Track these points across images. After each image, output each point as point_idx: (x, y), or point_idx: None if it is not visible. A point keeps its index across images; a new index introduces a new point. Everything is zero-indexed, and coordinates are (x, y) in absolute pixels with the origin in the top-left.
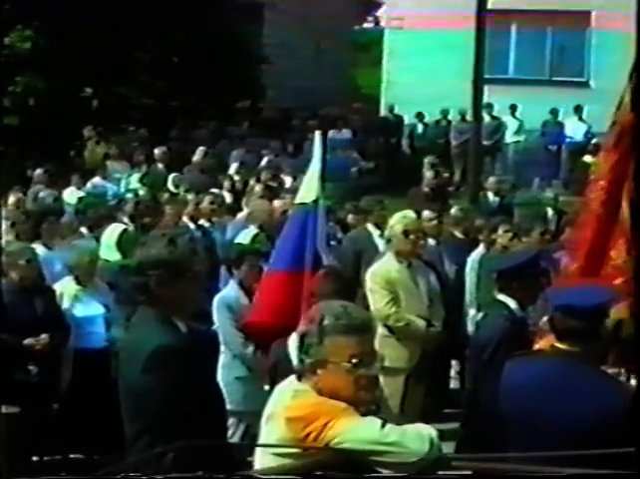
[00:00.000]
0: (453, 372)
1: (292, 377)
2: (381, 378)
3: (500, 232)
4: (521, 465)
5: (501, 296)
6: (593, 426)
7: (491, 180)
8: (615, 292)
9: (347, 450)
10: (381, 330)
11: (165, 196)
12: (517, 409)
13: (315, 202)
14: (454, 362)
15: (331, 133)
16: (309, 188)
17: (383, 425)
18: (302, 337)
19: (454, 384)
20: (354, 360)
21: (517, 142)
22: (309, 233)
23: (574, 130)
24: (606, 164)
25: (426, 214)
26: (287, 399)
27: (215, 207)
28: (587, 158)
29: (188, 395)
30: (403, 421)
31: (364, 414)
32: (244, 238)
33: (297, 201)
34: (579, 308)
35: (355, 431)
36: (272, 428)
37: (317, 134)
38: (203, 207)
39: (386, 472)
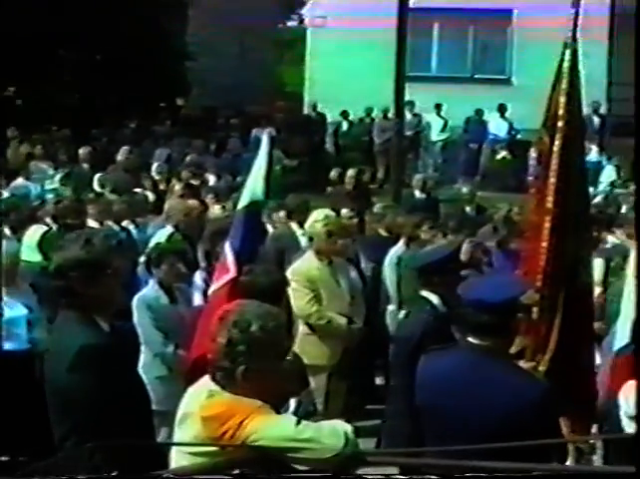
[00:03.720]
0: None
1: (206, 377)
2: None
3: (425, 228)
4: (438, 458)
5: (424, 292)
6: (506, 418)
7: (417, 177)
8: (526, 284)
9: (263, 447)
10: (303, 328)
11: (90, 196)
12: (432, 403)
13: (263, 202)
14: (377, 358)
15: (254, 131)
16: (256, 187)
17: (298, 422)
18: (228, 344)
19: (378, 381)
20: (282, 359)
21: (441, 139)
22: (256, 232)
23: (497, 127)
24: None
25: (345, 211)
26: (202, 399)
27: (138, 206)
28: (506, 155)
29: (114, 394)
30: (327, 418)
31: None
32: (161, 237)
33: (243, 202)
34: (489, 303)
35: (270, 429)
36: (188, 428)
37: (265, 133)
38: (125, 207)
39: (302, 468)
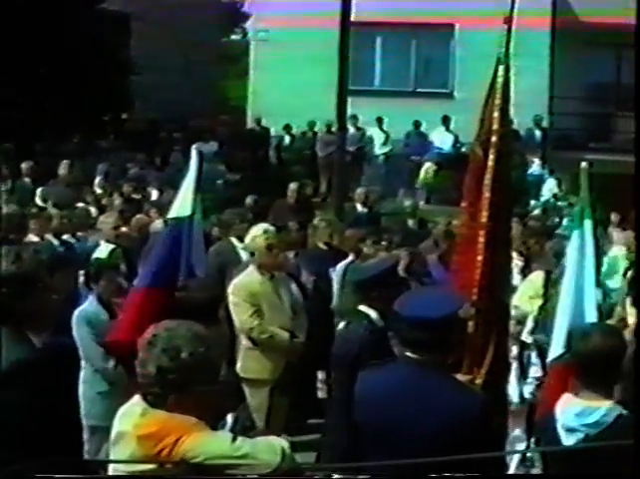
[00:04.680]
0: (319, 383)
1: (137, 396)
2: (246, 390)
3: (368, 242)
4: (377, 473)
5: (362, 307)
6: (444, 432)
7: (359, 190)
8: (462, 299)
9: (200, 464)
10: (245, 343)
11: (33, 210)
12: (371, 418)
13: (190, 216)
14: (320, 373)
15: (198, 145)
16: (184, 202)
17: (234, 438)
18: (158, 372)
19: (321, 394)
20: (214, 380)
21: (384, 153)
22: (184, 247)
23: (442, 140)
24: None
25: (292, 224)
26: (136, 417)
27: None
28: (430, 168)
29: (45, 410)
30: (269, 433)
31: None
32: (102, 252)
33: (171, 215)
34: (425, 320)
35: (206, 446)
36: (123, 447)
37: (193, 148)
38: (66, 221)
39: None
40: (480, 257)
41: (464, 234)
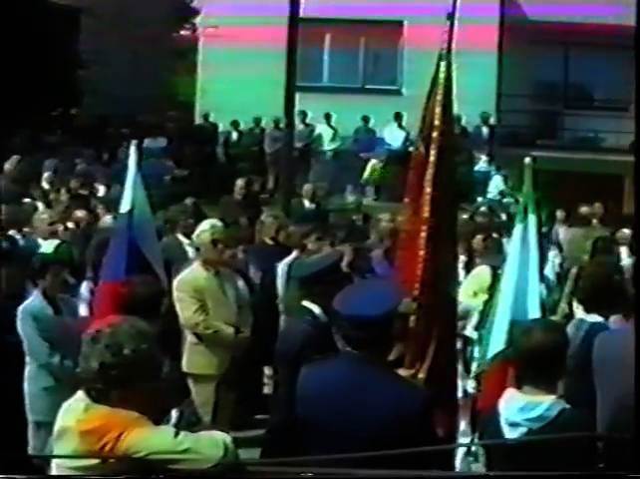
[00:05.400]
0: (265, 378)
1: (81, 392)
2: (191, 386)
3: (313, 238)
4: (320, 467)
5: (306, 302)
6: (386, 427)
7: (306, 187)
8: (402, 293)
9: (142, 459)
10: (190, 338)
11: None
12: (313, 414)
13: (130, 212)
14: (266, 368)
15: (146, 141)
16: (126, 198)
17: (176, 433)
18: (101, 367)
19: (267, 390)
20: (157, 376)
21: (332, 149)
22: (124, 242)
23: (393, 137)
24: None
25: (237, 221)
26: (79, 413)
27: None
28: (376, 164)
29: None
30: (215, 428)
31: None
32: (48, 247)
33: (120, 211)
34: (364, 317)
35: (149, 440)
36: (66, 442)
37: (133, 144)
38: (12, 217)
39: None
40: (421, 252)
41: (406, 229)
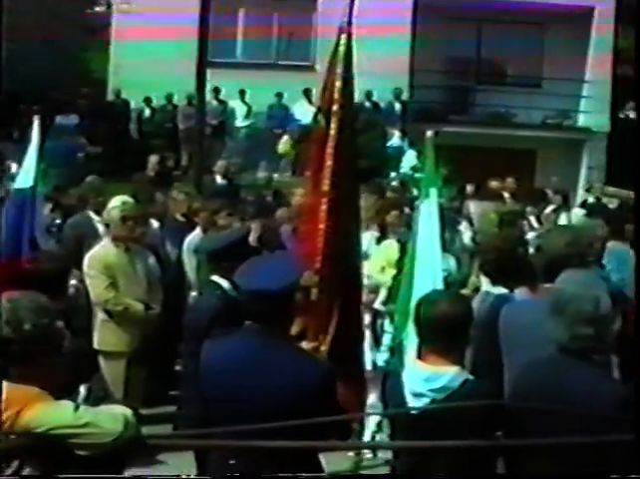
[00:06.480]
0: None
1: None
2: (102, 362)
3: (223, 214)
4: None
5: (215, 277)
6: (288, 399)
7: (219, 163)
8: (303, 267)
9: (43, 434)
10: (100, 315)
11: None
12: (218, 387)
13: (33, 187)
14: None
15: (58, 118)
16: (27, 173)
17: (76, 408)
18: (1, 341)
19: (180, 366)
20: (58, 351)
21: (245, 125)
22: (27, 219)
23: (303, 113)
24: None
25: (150, 197)
26: None
27: None
28: (288, 140)
29: None
30: (127, 404)
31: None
32: None
33: (15, 186)
34: (264, 292)
35: (48, 416)
36: None
37: (36, 119)
38: None
39: (82, 453)
40: (322, 226)
41: (308, 202)
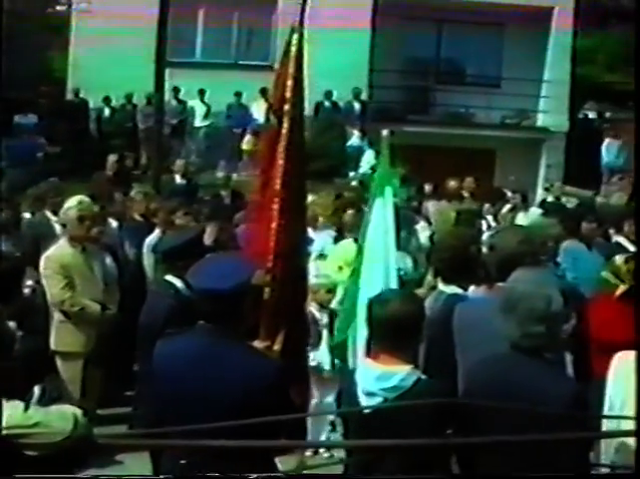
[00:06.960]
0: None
1: None
2: (59, 363)
3: (180, 213)
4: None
5: (169, 277)
6: (240, 399)
7: (178, 162)
8: (253, 266)
9: None
10: (57, 316)
11: None
12: (170, 387)
13: None
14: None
15: (17, 117)
16: None
17: (26, 408)
18: None
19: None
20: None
21: (205, 125)
22: None
23: (260, 112)
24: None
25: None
26: None
27: None
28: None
29: None
30: (84, 406)
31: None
32: None
33: None
34: (214, 292)
35: None
36: None
37: None
38: None
39: (33, 453)
40: (274, 224)
41: (259, 201)
